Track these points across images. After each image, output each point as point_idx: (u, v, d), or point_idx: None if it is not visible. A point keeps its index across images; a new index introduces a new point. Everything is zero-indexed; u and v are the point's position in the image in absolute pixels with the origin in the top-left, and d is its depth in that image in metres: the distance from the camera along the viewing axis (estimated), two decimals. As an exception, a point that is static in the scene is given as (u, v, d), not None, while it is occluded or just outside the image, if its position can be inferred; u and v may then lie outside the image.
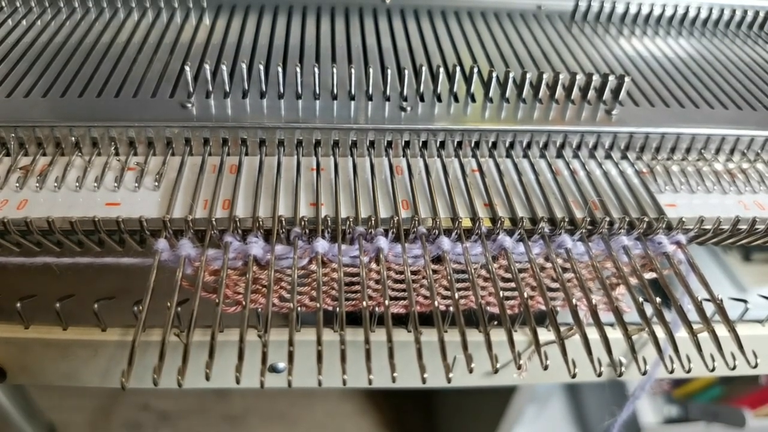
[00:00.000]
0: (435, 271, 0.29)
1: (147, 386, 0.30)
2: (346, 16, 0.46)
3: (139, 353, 0.23)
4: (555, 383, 1.35)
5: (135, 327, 0.24)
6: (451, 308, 0.27)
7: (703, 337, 0.25)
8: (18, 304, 0.27)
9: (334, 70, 0.35)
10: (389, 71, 0.34)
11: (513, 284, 0.29)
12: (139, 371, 0.23)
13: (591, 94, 0.36)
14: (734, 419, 1.00)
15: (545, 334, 0.31)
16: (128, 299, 0.26)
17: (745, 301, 0.32)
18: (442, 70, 0.35)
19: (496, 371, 0.25)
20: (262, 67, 0.34)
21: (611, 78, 0.35)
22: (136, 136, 0.31)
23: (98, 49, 0.38)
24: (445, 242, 0.28)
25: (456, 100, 0.35)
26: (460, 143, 0.34)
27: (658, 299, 0.26)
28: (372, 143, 0.33)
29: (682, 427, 1.05)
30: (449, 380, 0.23)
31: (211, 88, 0.33)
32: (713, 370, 0.26)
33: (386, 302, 0.25)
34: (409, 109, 0.34)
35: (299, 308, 0.29)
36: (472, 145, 0.34)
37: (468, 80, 0.36)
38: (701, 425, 1.04)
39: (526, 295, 0.26)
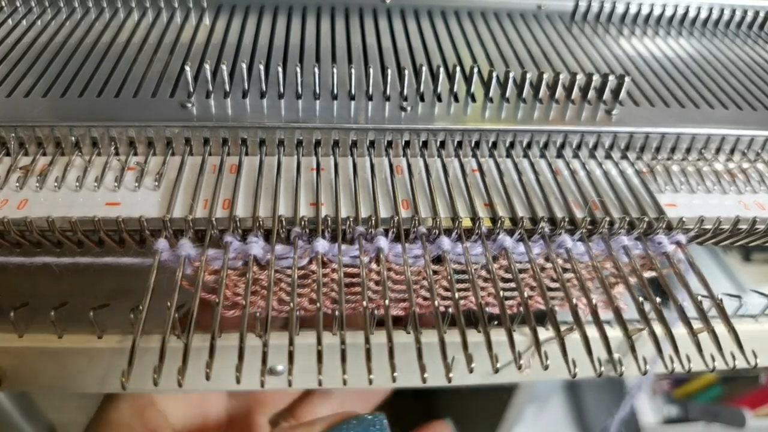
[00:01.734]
0: (435, 272, 0.29)
1: (147, 387, 0.30)
2: (346, 16, 0.46)
3: (138, 354, 0.23)
4: (555, 382, 1.35)
5: (134, 328, 0.24)
6: (451, 309, 0.27)
7: (702, 335, 0.25)
8: (12, 314, 0.27)
9: (334, 70, 0.35)
10: (389, 71, 0.34)
11: (513, 284, 0.29)
12: (138, 372, 0.23)
13: (591, 94, 0.36)
14: (734, 419, 1.00)
15: (545, 333, 0.30)
16: (128, 299, 0.26)
17: (739, 297, 0.32)
18: (442, 70, 0.35)
19: (496, 371, 0.25)
20: (262, 67, 0.34)
21: (611, 78, 0.35)
22: (136, 135, 0.31)
23: (98, 49, 0.38)
24: (446, 242, 0.28)
25: (456, 100, 0.35)
26: (460, 143, 0.34)
27: (657, 299, 0.26)
28: (372, 143, 0.33)
29: (682, 427, 1.05)
30: (449, 380, 0.23)
31: (211, 88, 0.33)
32: (713, 369, 0.26)
33: (386, 302, 0.25)
34: (409, 108, 0.34)
35: (299, 311, 0.29)
36: (473, 144, 0.34)
37: (468, 80, 0.36)
38: (701, 425, 1.04)
39: (526, 294, 0.26)
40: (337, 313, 0.25)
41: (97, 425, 0.33)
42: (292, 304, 0.25)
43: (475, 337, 0.29)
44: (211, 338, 0.23)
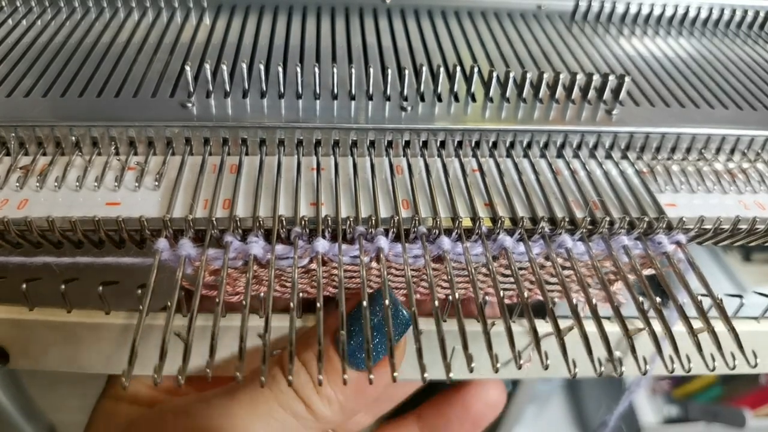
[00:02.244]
0: (435, 270, 0.29)
1: (143, 374, 0.30)
2: (346, 16, 0.46)
3: (139, 351, 0.23)
4: (555, 381, 1.35)
5: (135, 325, 0.24)
6: (450, 297, 0.27)
7: (702, 335, 0.25)
8: (23, 286, 0.27)
9: (335, 69, 0.35)
10: (389, 71, 0.34)
11: (512, 279, 0.29)
12: (139, 369, 0.23)
13: (591, 94, 0.36)
14: (734, 419, 1.00)
15: (543, 326, 0.30)
16: (128, 299, 0.26)
17: (740, 297, 0.32)
18: (442, 69, 0.35)
19: (496, 371, 0.25)
20: (262, 67, 0.34)
21: (611, 78, 0.35)
22: (136, 135, 0.31)
23: (98, 49, 0.38)
24: (446, 242, 0.28)
25: (456, 99, 0.35)
26: (460, 143, 0.34)
27: (657, 298, 0.26)
28: (372, 143, 0.33)
29: (682, 427, 1.05)
30: (449, 379, 0.23)
31: (211, 88, 0.33)
32: (713, 369, 0.27)
33: (386, 302, 0.25)
34: (409, 108, 0.34)
35: (300, 294, 0.29)
36: (473, 144, 0.34)
37: (468, 80, 0.36)
38: (701, 425, 1.04)
39: (526, 294, 0.26)
40: (336, 305, 0.25)
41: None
42: (292, 304, 0.25)
43: (474, 327, 0.29)
44: (212, 338, 0.23)
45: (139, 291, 0.25)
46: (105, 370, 0.30)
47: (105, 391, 0.33)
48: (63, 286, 0.27)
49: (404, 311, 0.27)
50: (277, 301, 0.29)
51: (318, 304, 0.25)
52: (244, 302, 0.24)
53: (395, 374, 0.23)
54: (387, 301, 0.24)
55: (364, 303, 0.24)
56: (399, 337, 0.27)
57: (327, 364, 0.26)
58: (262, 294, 0.28)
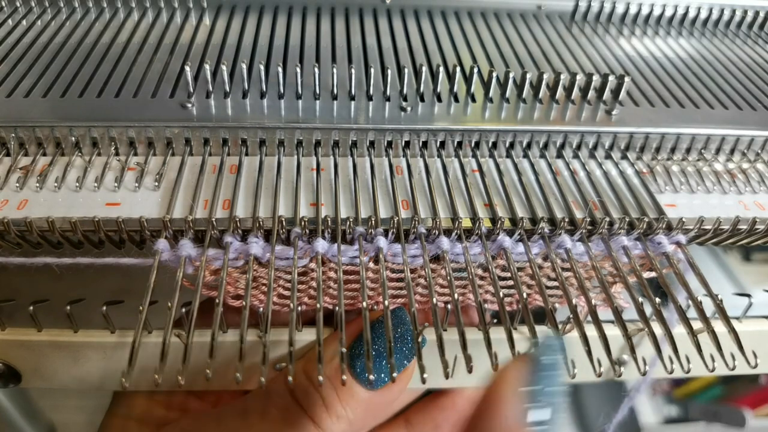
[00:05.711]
0: (433, 270, 0.29)
1: (148, 387, 0.30)
2: (346, 16, 0.46)
3: (140, 353, 0.23)
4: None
5: (135, 328, 0.24)
6: (449, 305, 0.27)
7: (703, 335, 0.25)
8: (31, 308, 0.28)
9: (334, 70, 0.35)
10: (389, 71, 0.34)
11: (511, 282, 0.29)
12: (139, 372, 0.23)
13: (591, 94, 0.36)
14: (734, 419, 1.00)
15: (544, 332, 0.30)
16: (130, 299, 0.26)
17: (748, 296, 0.32)
18: (442, 69, 0.35)
19: (496, 369, 0.25)
20: (262, 67, 0.34)
21: (611, 78, 0.35)
22: (136, 136, 0.31)
23: (98, 49, 0.38)
24: (445, 242, 0.28)
25: (456, 100, 0.35)
26: (460, 143, 0.34)
27: (657, 299, 0.26)
28: (372, 143, 0.33)
29: (682, 427, 1.05)
30: (447, 376, 0.23)
31: (211, 88, 0.33)
32: (713, 370, 0.26)
33: (386, 303, 0.25)
34: (409, 109, 0.34)
35: (299, 307, 0.29)
36: (472, 145, 0.34)
37: (468, 80, 0.36)
38: (701, 425, 1.04)
39: (525, 295, 0.26)
40: (336, 308, 0.25)
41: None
42: (292, 305, 0.25)
43: (474, 335, 0.29)
44: (212, 339, 0.23)
45: (141, 309, 0.25)
46: (113, 387, 0.31)
47: (114, 409, 0.33)
48: (68, 307, 0.27)
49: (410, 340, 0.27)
50: (275, 315, 0.29)
51: (318, 305, 0.25)
52: (243, 303, 0.24)
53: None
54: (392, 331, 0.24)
55: (367, 320, 0.24)
56: (408, 360, 0.28)
57: (337, 382, 0.27)
58: (261, 309, 0.28)
